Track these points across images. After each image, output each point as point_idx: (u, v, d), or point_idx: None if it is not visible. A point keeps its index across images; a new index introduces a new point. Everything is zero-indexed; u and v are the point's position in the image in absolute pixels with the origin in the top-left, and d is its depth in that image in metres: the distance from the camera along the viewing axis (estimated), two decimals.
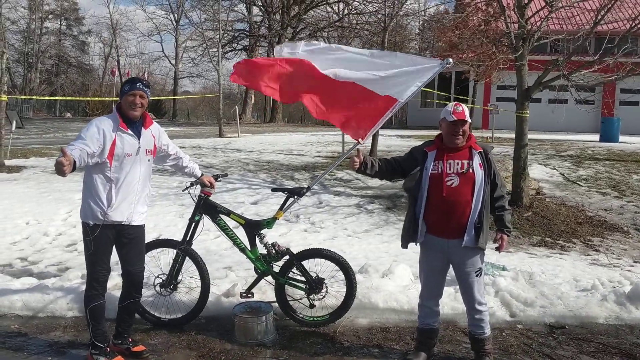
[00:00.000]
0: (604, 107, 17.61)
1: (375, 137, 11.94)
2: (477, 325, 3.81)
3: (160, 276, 4.41)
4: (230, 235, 4.47)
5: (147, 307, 4.40)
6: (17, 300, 4.59)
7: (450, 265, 3.81)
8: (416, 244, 3.83)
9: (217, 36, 21.05)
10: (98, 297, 3.66)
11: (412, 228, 3.75)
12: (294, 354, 3.98)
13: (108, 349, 3.73)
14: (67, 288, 4.79)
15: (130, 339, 3.90)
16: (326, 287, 4.43)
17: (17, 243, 6.42)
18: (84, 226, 3.63)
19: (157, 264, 4.39)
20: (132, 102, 3.59)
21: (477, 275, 3.71)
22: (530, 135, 9.21)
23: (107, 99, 33.82)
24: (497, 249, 3.81)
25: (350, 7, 29.03)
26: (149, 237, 4.07)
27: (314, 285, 4.39)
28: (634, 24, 7.95)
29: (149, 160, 3.77)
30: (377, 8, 24.37)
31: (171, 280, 4.39)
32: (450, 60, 4.29)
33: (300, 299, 4.46)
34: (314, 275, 4.42)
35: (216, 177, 4.52)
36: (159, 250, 4.43)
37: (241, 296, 4.47)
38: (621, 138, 16.55)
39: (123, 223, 3.66)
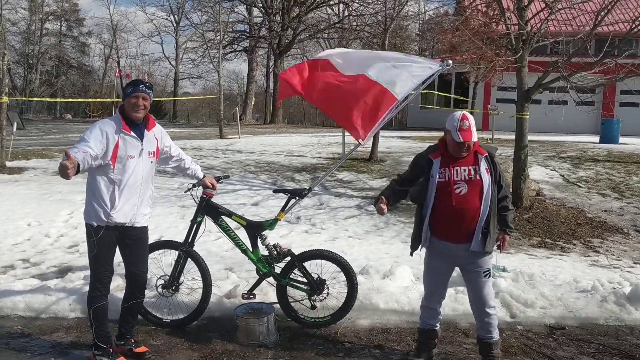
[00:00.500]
0: (604, 108, 17.62)
1: (375, 139, 11.96)
2: (485, 329, 3.78)
3: (162, 277, 4.43)
4: (232, 236, 4.49)
5: (149, 308, 4.42)
6: (20, 301, 4.60)
7: (456, 268, 3.81)
8: (420, 250, 3.83)
9: (218, 37, 21.07)
10: (101, 298, 3.69)
11: (419, 234, 3.76)
12: (296, 355, 4.00)
13: (111, 349, 3.75)
14: (70, 289, 4.81)
15: (132, 340, 3.93)
16: (327, 288, 4.45)
17: (19, 244, 6.44)
18: (88, 227, 3.65)
19: (159, 265, 4.42)
20: (135, 104, 3.61)
21: (485, 276, 3.69)
22: (530, 137, 9.23)
23: (107, 100, 33.91)
24: (499, 247, 3.81)
25: (350, 9, 29.04)
26: (150, 239, 4.09)
27: (316, 286, 4.41)
28: (634, 25, 7.98)
29: (151, 162, 3.79)
30: (377, 10, 24.40)
31: (173, 282, 4.41)
32: (450, 62, 4.31)
33: (302, 300, 4.49)
34: (315, 276, 4.44)
35: (218, 179, 4.55)
36: (161, 251, 4.45)
37: (243, 297, 4.49)
38: (621, 139, 16.55)
39: (126, 224, 3.68)
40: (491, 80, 15.34)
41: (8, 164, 10.58)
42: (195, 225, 4.42)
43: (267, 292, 4.71)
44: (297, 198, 4.57)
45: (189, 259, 4.41)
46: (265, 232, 4.53)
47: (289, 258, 4.44)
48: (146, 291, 4.04)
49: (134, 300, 3.88)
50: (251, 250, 4.47)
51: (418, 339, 3.98)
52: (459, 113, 3.62)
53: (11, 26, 40.78)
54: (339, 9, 31.00)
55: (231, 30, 29.84)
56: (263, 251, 4.50)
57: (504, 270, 5.54)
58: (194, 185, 4.43)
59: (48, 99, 35.13)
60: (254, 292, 4.51)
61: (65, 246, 6.44)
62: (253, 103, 34.69)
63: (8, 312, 4.55)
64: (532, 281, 5.30)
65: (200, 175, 4.33)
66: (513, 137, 9.03)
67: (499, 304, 4.86)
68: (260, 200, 8.72)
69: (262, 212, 7.93)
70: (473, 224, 3.57)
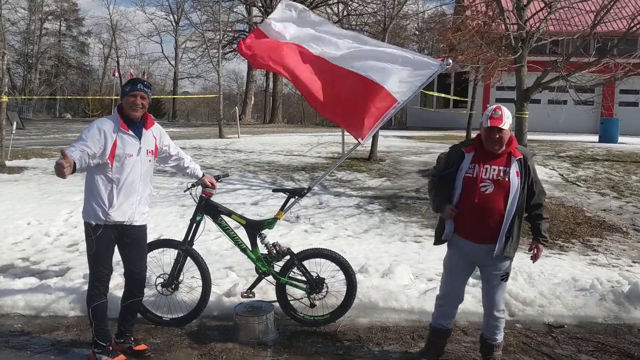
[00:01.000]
0: (604, 107, 17.64)
1: (375, 138, 11.97)
2: (491, 331, 3.75)
3: (161, 276, 4.44)
4: (231, 235, 4.50)
5: (149, 306, 4.43)
6: (20, 299, 4.62)
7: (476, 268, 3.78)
8: (443, 242, 3.76)
9: (217, 37, 21.07)
10: (100, 297, 3.70)
11: (441, 226, 3.74)
12: (295, 353, 4.01)
13: (110, 347, 3.76)
14: (69, 288, 4.81)
15: (132, 338, 3.94)
16: (327, 286, 4.46)
17: (19, 243, 6.44)
18: (86, 226, 3.66)
19: (158, 264, 4.42)
20: (133, 103, 3.62)
21: (502, 280, 3.64)
22: (529, 136, 9.26)
23: (106, 97, 33.90)
24: (532, 258, 3.72)
25: (349, 8, 29.05)
26: (149, 238, 4.10)
27: (315, 284, 4.42)
28: (632, 25, 7.99)
29: (150, 161, 3.79)
30: (376, 9, 24.40)
31: (173, 280, 4.42)
32: (450, 61, 4.32)
33: (301, 298, 4.50)
34: (314, 275, 4.45)
35: (217, 178, 4.55)
36: (160, 250, 4.46)
37: (242, 296, 4.50)
38: (620, 139, 16.57)
39: (125, 223, 3.69)
40: (490, 79, 15.35)
41: (8, 163, 10.60)
42: (195, 224, 4.43)
43: (267, 291, 4.72)
44: (296, 197, 4.58)
45: (189, 258, 4.42)
46: (265, 231, 4.53)
47: (288, 257, 4.45)
48: (145, 290, 4.05)
49: (133, 298, 3.88)
50: (250, 249, 4.48)
51: (428, 338, 3.92)
52: (494, 105, 3.59)
53: (11, 26, 40.72)
54: (338, 9, 31.02)
55: (230, 29, 29.83)
56: (262, 250, 4.51)
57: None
58: (193, 185, 4.44)
59: (47, 97, 35.13)
60: (254, 290, 4.51)
61: (65, 245, 6.45)
62: (252, 103, 34.71)
63: (8, 311, 4.56)
64: (530, 280, 5.31)
65: (200, 174, 4.34)
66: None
67: None
68: (259, 199, 8.73)
69: (261, 212, 7.93)
70: (496, 225, 3.50)
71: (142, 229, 3.86)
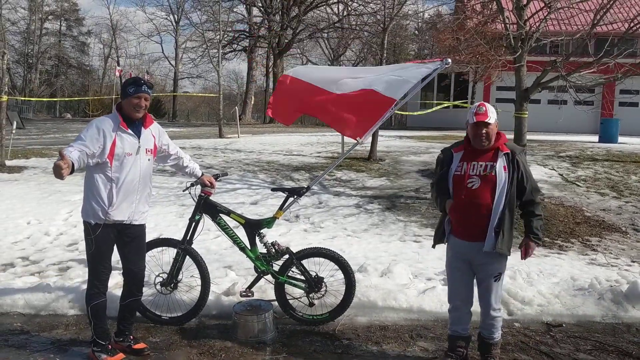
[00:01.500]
0: (603, 108, 17.65)
1: (374, 138, 11.98)
2: (488, 329, 3.73)
3: (161, 275, 4.45)
4: (230, 234, 4.51)
5: (148, 305, 4.44)
6: (19, 298, 4.63)
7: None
8: (440, 243, 3.81)
9: (217, 37, 21.08)
10: (99, 296, 3.71)
11: (440, 228, 3.76)
12: (294, 352, 4.02)
13: (110, 346, 3.77)
14: (69, 287, 4.83)
15: (131, 337, 3.95)
16: (325, 285, 4.47)
17: (19, 243, 6.46)
18: (86, 225, 3.67)
19: (157, 263, 4.43)
20: (137, 105, 3.63)
21: (495, 280, 3.62)
22: (529, 136, 9.27)
23: (106, 97, 33.90)
24: (522, 255, 3.67)
25: (349, 8, 29.06)
26: (149, 237, 4.11)
27: (314, 284, 4.43)
28: (632, 25, 8.00)
29: (149, 160, 3.80)
30: (376, 9, 24.40)
31: (172, 279, 4.43)
32: (449, 60, 4.32)
33: (300, 297, 4.51)
34: (313, 274, 4.46)
35: (216, 177, 4.56)
36: (159, 249, 4.47)
37: (241, 295, 4.51)
38: (620, 139, 16.58)
39: (124, 222, 3.70)
40: (490, 79, 15.37)
41: (8, 163, 10.61)
42: (194, 223, 4.44)
43: (266, 290, 4.73)
44: (295, 196, 4.59)
45: (188, 257, 4.43)
46: (264, 230, 4.54)
47: (287, 256, 4.46)
48: (145, 288, 4.06)
49: (132, 297, 3.89)
50: (249, 248, 4.49)
51: (448, 345, 3.87)
52: (478, 102, 3.64)
53: (11, 26, 40.80)
54: (338, 9, 31.02)
55: (231, 29, 29.83)
56: (261, 249, 4.52)
57: None
58: (192, 184, 4.45)
59: (46, 99, 35.12)
60: (252, 289, 4.52)
61: (64, 244, 6.46)
62: (252, 102, 34.71)
63: (8, 310, 4.57)
64: (529, 279, 5.32)
65: (199, 173, 4.35)
66: (512, 136, 9.05)
67: None
68: (259, 199, 8.74)
69: (261, 211, 7.94)
70: (483, 221, 3.50)
71: (141, 228, 3.87)
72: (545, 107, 19.73)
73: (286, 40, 29.59)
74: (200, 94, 41.94)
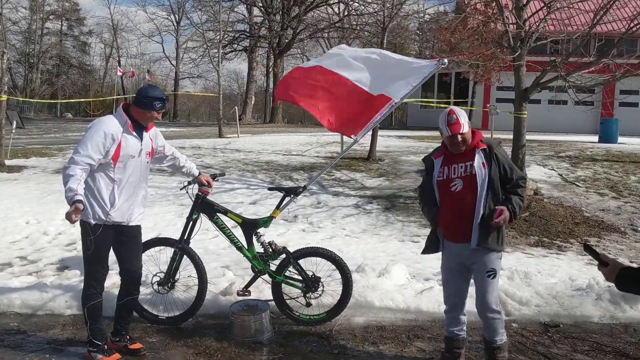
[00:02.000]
0: (603, 108, 17.62)
1: (374, 138, 11.96)
2: (489, 332, 3.66)
3: (158, 274, 4.45)
4: (227, 234, 4.51)
5: (145, 305, 4.44)
6: (16, 298, 4.63)
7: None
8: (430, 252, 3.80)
9: (218, 37, 21.09)
10: (96, 296, 3.72)
11: (432, 238, 3.76)
12: (290, 352, 4.02)
13: (106, 346, 3.78)
14: (66, 286, 4.83)
15: (128, 337, 3.95)
16: (322, 285, 4.47)
17: (17, 242, 6.46)
18: (85, 226, 3.66)
19: (155, 262, 4.43)
20: (155, 118, 3.73)
21: (489, 277, 3.56)
22: (529, 136, 9.25)
23: (108, 97, 33.89)
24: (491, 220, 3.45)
25: (350, 8, 29.04)
26: (147, 237, 4.11)
27: (311, 283, 4.43)
28: (632, 25, 7.99)
29: (147, 162, 3.85)
30: (376, 9, 24.39)
31: (169, 279, 4.42)
32: (445, 60, 4.31)
33: (297, 297, 4.50)
34: (310, 274, 4.46)
35: (214, 177, 4.56)
36: (157, 248, 4.47)
37: (238, 294, 4.51)
38: (620, 139, 16.56)
39: (122, 223, 3.72)
40: (490, 79, 15.35)
41: (7, 162, 10.62)
42: (191, 223, 4.44)
43: (263, 290, 4.73)
44: (292, 196, 4.59)
45: (185, 256, 4.42)
46: (261, 230, 4.54)
47: (284, 255, 4.46)
48: (142, 288, 4.06)
49: (129, 297, 3.90)
50: (246, 247, 4.48)
51: (445, 345, 3.87)
52: (446, 109, 3.58)
53: (12, 25, 40.88)
54: (339, 9, 31.01)
55: (231, 29, 29.84)
56: (258, 248, 4.52)
57: None
58: (189, 183, 4.45)
59: (46, 101, 35.14)
60: (249, 289, 4.52)
61: (63, 244, 6.46)
62: (253, 102, 34.68)
63: (4, 309, 4.57)
64: (527, 279, 5.31)
65: (196, 172, 4.35)
66: (512, 136, 9.04)
67: None
68: (258, 199, 8.73)
69: (260, 211, 7.94)
70: (470, 220, 3.51)
71: (138, 228, 3.90)
72: (545, 107, 19.69)
73: (286, 40, 29.57)
74: (200, 94, 41.95)
